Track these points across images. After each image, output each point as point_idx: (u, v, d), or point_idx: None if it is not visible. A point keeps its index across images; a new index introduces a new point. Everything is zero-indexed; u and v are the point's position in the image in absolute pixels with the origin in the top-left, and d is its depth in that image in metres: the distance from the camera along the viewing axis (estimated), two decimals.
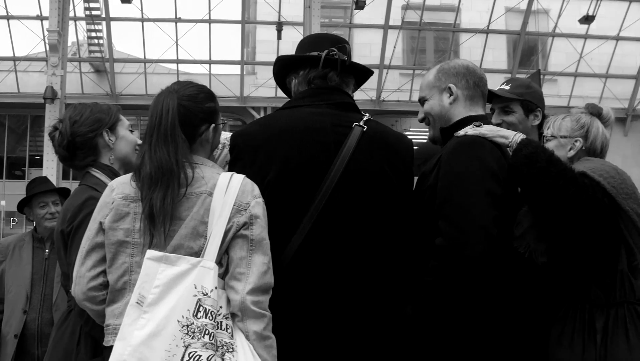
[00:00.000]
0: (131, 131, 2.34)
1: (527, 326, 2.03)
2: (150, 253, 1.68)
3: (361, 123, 2.01)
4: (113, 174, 2.18)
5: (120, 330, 1.63)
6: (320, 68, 2.05)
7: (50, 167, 9.76)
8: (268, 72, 17.31)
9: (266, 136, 1.99)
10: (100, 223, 1.79)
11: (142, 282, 1.65)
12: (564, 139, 2.26)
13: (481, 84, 2.20)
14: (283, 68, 2.17)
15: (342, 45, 2.09)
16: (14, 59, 16.41)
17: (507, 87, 2.56)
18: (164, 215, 1.72)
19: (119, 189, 1.82)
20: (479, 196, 1.89)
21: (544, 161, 1.96)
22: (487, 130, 2.05)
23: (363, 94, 15.81)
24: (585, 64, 17.25)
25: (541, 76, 13.90)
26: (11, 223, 19.46)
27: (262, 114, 17.62)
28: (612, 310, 2.03)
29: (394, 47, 16.56)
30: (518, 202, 2.07)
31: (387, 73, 17.02)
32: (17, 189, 18.41)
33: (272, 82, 15.03)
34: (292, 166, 1.93)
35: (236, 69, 17.37)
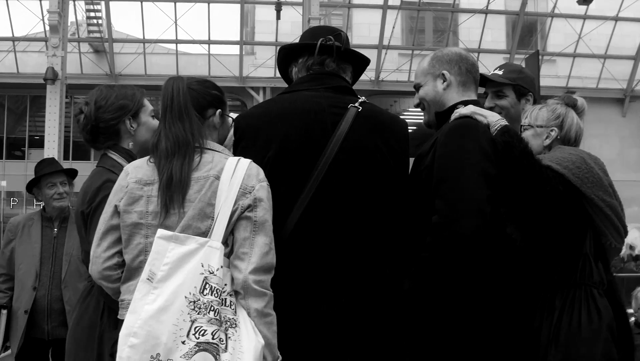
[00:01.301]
0: (153, 117, 2.39)
1: (514, 301, 2.15)
2: (161, 232, 1.77)
3: (356, 104, 2.11)
4: (130, 157, 2.25)
5: (131, 304, 1.73)
6: (317, 55, 2.15)
7: (52, 148, 9.82)
8: (267, 52, 17.36)
9: (266, 117, 2.10)
10: (116, 206, 1.88)
11: (153, 259, 1.75)
12: (540, 129, 2.38)
13: (473, 70, 2.30)
14: (285, 58, 2.27)
15: (338, 33, 2.18)
16: (13, 39, 16.38)
17: (500, 72, 2.66)
18: (182, 183, 1.82)
19: (133, 174, 1.90)
20: (473, 176, 2.00)
21: (518, 151, 2.08)
22: (475, 109, 2.15)
23: (362, 75, 15.81)
24: (584, 44, 17.25)
25: (540, 57, 13.90)
26: (11, 203, 19.55)
27: (261, 94, 17.64)
28: (571, 291, 2.18)
29: (393, 27, 16.53)
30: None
31: (385, 53, 17.01)
32: (17, 169, 18.50)
33: (271, 62, 15.04)
34: (290, 145, 2.04)
35: (235, 49, 17.35)
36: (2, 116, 19.07)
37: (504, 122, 2.14)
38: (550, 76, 17.13)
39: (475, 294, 2.04)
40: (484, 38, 17.40)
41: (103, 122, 2.30)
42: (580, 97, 2.48)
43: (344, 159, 2.04)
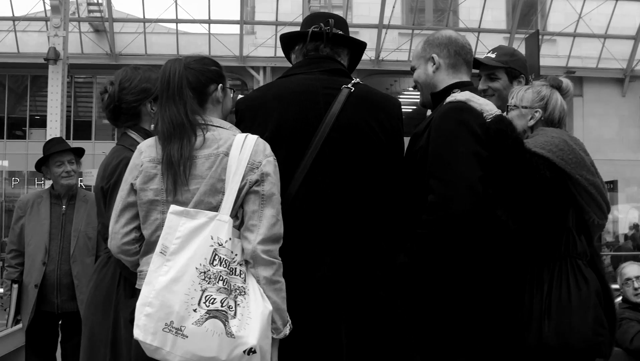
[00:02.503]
0: None
1: (504, 276, 2.26)
2: (173, 207, 1.87)
3: (349, 85, 2.21)
4: (148, 137, 2.35)
5: (147, 276, 1.84)
6: (309, 42, 2.27)
7: (54, 127, 9.86)
8: (267, 31, 17.32)
9: (264, 99, 2.22)
10: (132, 185, 1.98)
11: (166, 233, 1.85)
12: (525, 110, 2.46)
13: (463, 52, 2.37)
14: (285, 46, 2.39)
15: (328, 20, 2.29)
16: (13, 18, 16.36)
17: (493, 56, 2.74)
18: (183, 164, 1.90)
19: (147, 153, 2.00)
20: (466, 157, 2.10)
21: (511, 140, 2.19)
22: (471, 96, 2.24)
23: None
24: (584, 24, 17.21)
25: (540, 36, 13.89)
26: (13, 182, 19.64)
27: (261, 74, 17.65)
28: (557, 263, 2.29)
29: (393, 6, 16.49)
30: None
31: (386, 33, 16.99)
32: (18, 149, 18.57)
33: (271, 41, 15.06)
34: (285, 125, 2.14)
35: (235, 29, 17.34)
36: (3, 96, 19.09)
37: (499, 111, 2.23)
38: (551, 55, 17.12)
39: (468, 268, 2.15)
40: (484, 17, 17.36)
41: (125, 103, 2.39)
42: (566, 79, 2.56)
43: (337, 138, 2.14)
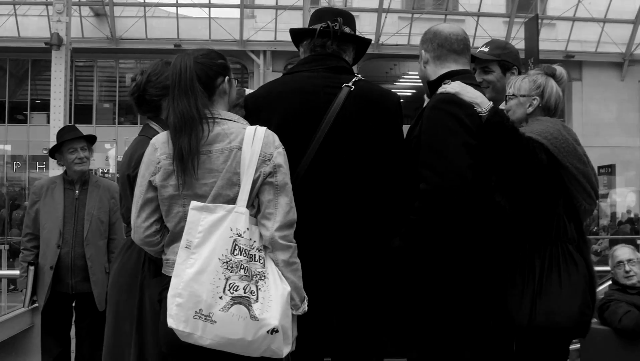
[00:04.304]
0: None
1: (496, 259, 2.39)
2: (194, 203, 2.01)
3: (350, 84, 2.34)
4: (167, 128, 2.48)
5: (175, 269, 1.99)
6: (317, 38, 2.39)
7: (58, 113, 9.91)
8: (267, 15, 17.33)
9: (269, 97, 2.37)
10: (150, 182, 2.11)
11: (189, 228, 1.99)
12: (523, 98, 2.59)
13: (447, 43, 2.49)
14: (294, 38, 2.52)
15: (337, 17, 2.41)
16: (14, 2, 16.38)
17: (486, 49, 2.88)
18: (192, 156, 2.03)
19: (162, 149, 2.11)
20: (455, 147, 2.22)
21: (509, 129, 2.32)
22: (460, 89, 2.35)
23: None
24: (584, 8, 17.26)
25: (539, 21, 13.93)
26: (14, 166, 19.76)
27: (261, 58, 17.71)
28: (548, 248, 2.42)
29: None
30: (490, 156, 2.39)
31: (385, 17, 17.02)
32: (20, 134, 18.65)
33: (271, 25, 15.05)
34: (287, 123, 2.28)
35: (235, 13, 17.37)
36: (4, 80, 19.14)
37: (491, 103, 2.35)
38: (550, 39, 17.17)
39: (458, 253, 2.28)
40: (484, 1, 17.38)
41: (148, 95, 2.53)
42: (560, 67, 2.68)
43: (335, 136, 2.28)
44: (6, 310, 5.61)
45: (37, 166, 18.75)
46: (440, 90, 2.38)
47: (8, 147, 18.52)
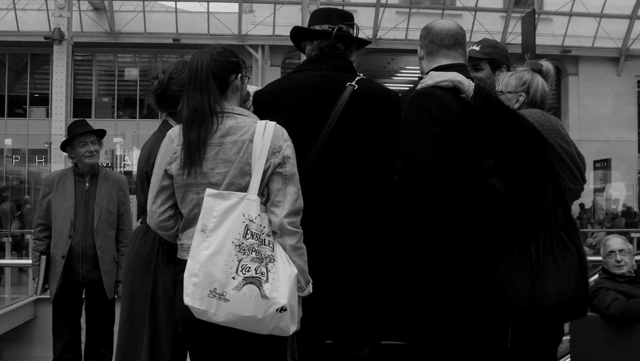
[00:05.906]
0: None
1: (487, 244, 2.50)
2: (209, 191, 2.16)
3: (353, 83, 2.49)
4: None
5: (191, 251, 2.14)
6: (332, 40, 2.54)
7: (59, 107, 10.05)
8: (266, 10, 17.39)
9: (277, 94, 2.52)
10: (166, 170, 2.26)
11: (204, 214, 2.14)
12: (510, 94, 2.74)
13: (437, 38, 2.61)
14: (299, 34, 2.67)
15: (351, 22, 2.58)
16: None
17: (477, 48, 3.04)
18: (198, 148, 2.19)
19: (178, 140, 2.27)
20: (422, 137, 2.36)
21: (495, 102, 2.47)
22: (437, 77, 2.47)
23: (360, 33, 15.94)
24: (580, 3, 17.34)
25: (536, 15, 14.05)
26: (14, 160, 19.82)
27: (259, 52, 17.78)
28: (541, 234, 2.55)
29: None
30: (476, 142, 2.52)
31: (383, 11, 17.10)
32: (20, 127, 18.72)
33: (270, 20, 15.08)
34: (296, 118, 2.42)
35: (234, 7, 17.42)
36: (3, 74, 19.20)
37: (472, 84, 2.48)
38: (547, 34, 17.27)
39: (438, 239, 2.40)
40: None
41: (170, 91, 2.67)
42: (546, 62, 2.82)
43: (341, 131, 2.43)
44: (9, 301, 5.77)
45: (37, 160, 18.81)
46: (418, 86, 2.51)
47: (9, 141, 18.58)
